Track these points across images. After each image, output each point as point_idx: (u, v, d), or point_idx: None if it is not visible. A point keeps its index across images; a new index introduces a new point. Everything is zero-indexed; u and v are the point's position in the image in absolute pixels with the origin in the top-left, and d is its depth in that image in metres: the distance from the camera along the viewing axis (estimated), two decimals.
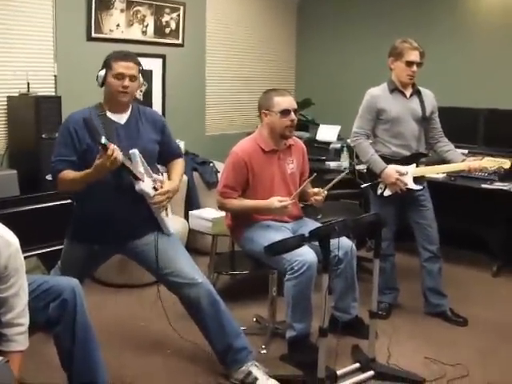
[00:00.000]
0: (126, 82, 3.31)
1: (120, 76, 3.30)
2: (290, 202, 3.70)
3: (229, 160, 3.87)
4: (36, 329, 2.84)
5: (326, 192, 3.87)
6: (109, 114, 3.38)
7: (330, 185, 3.82)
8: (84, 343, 2.77)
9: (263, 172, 3.86)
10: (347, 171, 3.97)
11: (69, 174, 3.26)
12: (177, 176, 3.62)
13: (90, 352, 2.82)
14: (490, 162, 4.11)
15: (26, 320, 2.65)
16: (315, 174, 3.85)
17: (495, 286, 5.09)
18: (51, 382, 3.23)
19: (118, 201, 3.32)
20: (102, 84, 3.37)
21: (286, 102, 3.83)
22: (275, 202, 3.69)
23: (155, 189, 3.37)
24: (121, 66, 3.30)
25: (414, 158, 4.24)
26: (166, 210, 3.51)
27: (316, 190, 3.90)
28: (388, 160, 4.21)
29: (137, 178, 3.25)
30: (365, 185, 4.36)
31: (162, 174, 3.59)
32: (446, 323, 4.26)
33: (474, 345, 3.94)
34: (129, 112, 3.46)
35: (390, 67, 4.27)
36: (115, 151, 3.01)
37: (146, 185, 3.29)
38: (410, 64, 4.13)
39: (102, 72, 3.34)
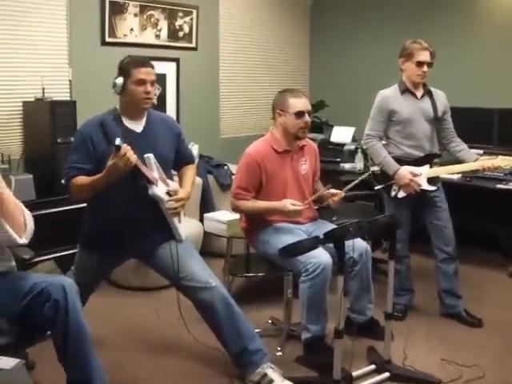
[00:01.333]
0: (149, 88, 3.33)
1: (142, 82, 3.30)
2: (302, 208, 3.71)
3: (242, 161, 3.88)
4: (37, 333, 2.86)
5: (343, 193, 3.87)
6: (125, 122, 3.38)
7: (350, 186, 3.81)
8: (76, 343, 2.75)
9: (276, 173, 3.87)
10: (368, 174, 3.97)
11: (81, 179, 3.27)
12: (189, 183, 3.64)
13: (82, 352, 2.78)
14: (505, 161, 4.09)
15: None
16: (330, 186, 3.85)
17: (511, 286, 5.07)
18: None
19: (133, 208, 3.33)
20: (121, 91, 3.35)
21: (301, 103, 3.83)
22: (288, 204, 3.69)
23: (169, 194, 3.38)
24: (141, 73, 3.30)
25: (427, 159, 4.23)
26: (179, 216, 3.52)
27: (334, 191, 3.89)
28: (401, 161, 4.19)
29: (150, 182, 3.26)
30: (378, 187, 4.34)
31: (173, 179, 3.61)
32: (462, 325, 4.24)
33: (489, 346, 3.92)
34: (145, 119, 3.46)
35: (400, 68, 4.26)
36: (128, 151, 3.03)
37: (159, 189, 3.31)
38: (420, 64, 4.11)
39: (120, 79, 3.32)
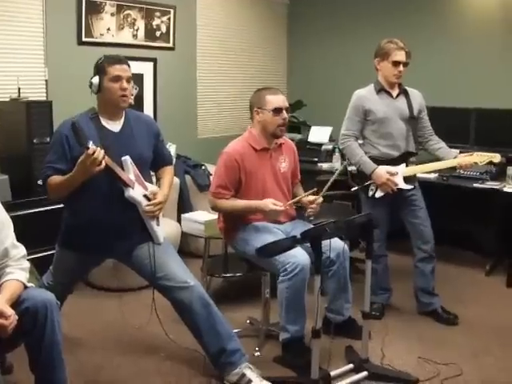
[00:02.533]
0: (125, 84, 3.31)
1: (117, 78, 3.29)
2: (282, 208, 3.71)
3: (220, 160, 3.87)
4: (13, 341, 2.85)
5: (321, 198, 3.88)
6: (103, 122, 3.37)
7: (325, 189, 3.82)
8: (47, 356, 2.75)
9: (255, 171, 3.86)
10: (338, 172, 3.95)
11: (56, 178, 3.26)
12: (167, 186, 3.63)
13: (52, 366, 2.78)
14: (480, 157, 4.12)
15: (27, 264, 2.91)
16: (316, 189, 3.86)
17: (488, 284, 5.10)
18: None
19: (111, 209, 3.32)
20: (98, 91, 3.34)
21: (278, 100, 3.84)
22: (269, 204, 3.68)
23: (146, 197, 3.38)
24: (117, 69, 3.29)
25: (403, 158, 4.24)
26: (158, 219, 3.52)
27: (311, 198, 3.90)
28: (377, 161, 4.21)
29: (126, 185, 3.25)
30: (355, 187, 4.35)
31: (151, 180, 3.60)
32: (439, 323, 4.26)
33: (467, 344, 3.95)
34: (123, 119, 3.45)
35: (376, 68, 4.28)
36: (96, 151, 3.01)
37: (135, 192, 3.30)
38: (396, 64, 4.13)
39: (96, 78, 3.31)
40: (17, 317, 2.58)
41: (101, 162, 3.05)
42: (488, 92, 5.87)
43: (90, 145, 3.00)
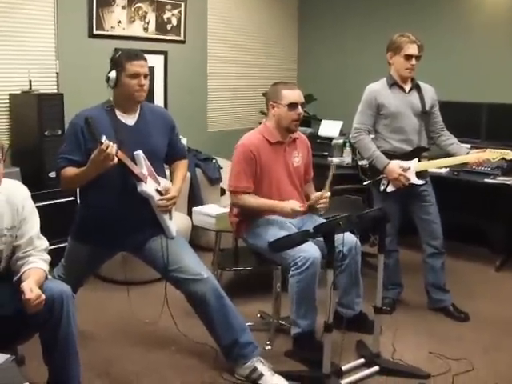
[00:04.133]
0: (143, 81, 3.31)
1: (136, 75, 3.29)
2: (303, 209, 3.72)
3: (238, 152, 3.83)
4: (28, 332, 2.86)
5: (328, 192, 3.86)
6: (118, 115, 3.38)
7: (328, 183, 3.81)
8: (61, 350, 2.76)
9: (270, 164, 3.85)
10: (335, 167, 3.93)
11: (70, 170, 3.28)
12: (180, 180, 3.65)
13: (66, 359, 2.80)
14: (493, 154, 4.10)
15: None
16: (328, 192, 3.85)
17: (498, 280, 5.09)
18: None
19: (124, 203, 3.33)
20: (115, 85, 3.34)
21: (294, 95, 3.84)
22: (295, 205, 3.67)
23: (158, 191, 3.38)
24: (135, 66, 3.29)
25: (415, 153, 4.23)
26: (170, 213, 3.52)
27: (318, 194, 3.88)
28: (389, 155, 4.19)
29: (139, 179, 3.26)
30: (367, 182, 4.35)
31: (165, 174, 3.61)
32: (450, 319, 4.26)
33: (478, 339, 3.94)
34: (138, 112, 3.45)
35: (388, 62, 4.26)
36: (109, 147, 3.02)
37: (148, 187, 3.31)
38: (408, 58, 4.12)
39: (113, 73, 3.31)
40: (44, 297, 2.59)
41: (114, 156, 3.06)
42: (499, 86, 5.85)
43: (104, 140, 3.01)
